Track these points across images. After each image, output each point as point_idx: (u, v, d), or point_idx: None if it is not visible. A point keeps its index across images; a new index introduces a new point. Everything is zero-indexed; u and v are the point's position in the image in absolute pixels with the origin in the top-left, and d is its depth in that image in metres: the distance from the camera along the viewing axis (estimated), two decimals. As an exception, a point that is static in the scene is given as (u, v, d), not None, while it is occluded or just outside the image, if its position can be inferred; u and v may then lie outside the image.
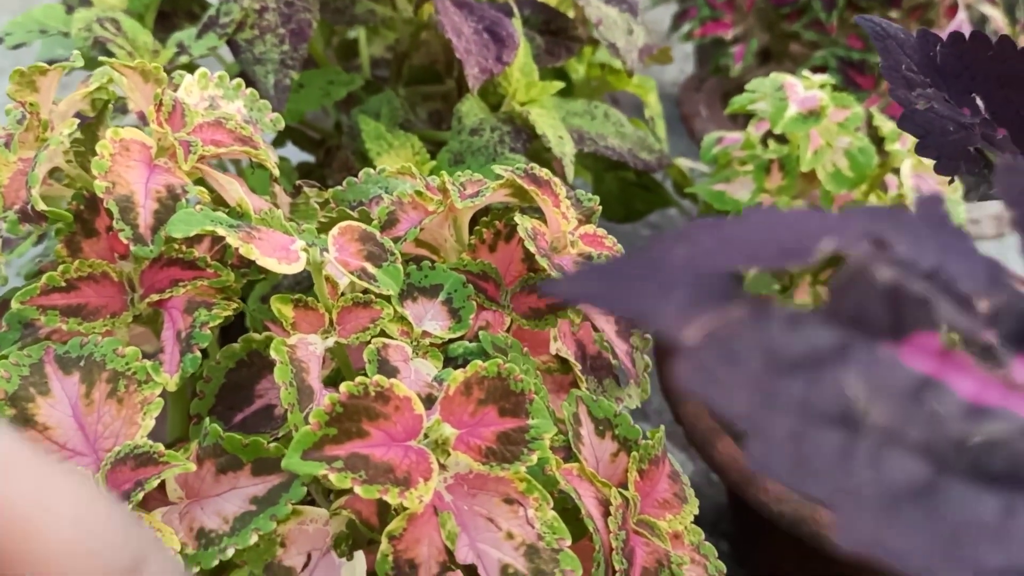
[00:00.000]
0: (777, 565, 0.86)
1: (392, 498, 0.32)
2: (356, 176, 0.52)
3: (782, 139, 0.75)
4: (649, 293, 0.17)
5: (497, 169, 0.46)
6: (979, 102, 0.42)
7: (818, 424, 0.16)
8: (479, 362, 0.36)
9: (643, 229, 1.14)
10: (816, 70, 1.05)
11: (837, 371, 0.16)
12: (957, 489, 0.15)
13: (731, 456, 0.72)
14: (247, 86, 0.51)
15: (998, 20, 1.09)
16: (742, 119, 1.08)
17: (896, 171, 0.69)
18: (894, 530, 0.15)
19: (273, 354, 0.37)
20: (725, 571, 0.46)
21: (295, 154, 0.86)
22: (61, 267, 0.41)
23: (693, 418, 0.74)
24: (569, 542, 0.35)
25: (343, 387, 0.34)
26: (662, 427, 0.46)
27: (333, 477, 0.32)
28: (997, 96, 0.42)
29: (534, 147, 0.69)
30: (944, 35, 0.42)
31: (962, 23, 0.97)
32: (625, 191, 0.82)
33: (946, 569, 0.14)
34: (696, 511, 0.45)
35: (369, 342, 0.40)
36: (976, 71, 0.42)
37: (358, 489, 0.32)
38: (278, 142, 0.82)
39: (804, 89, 0.67)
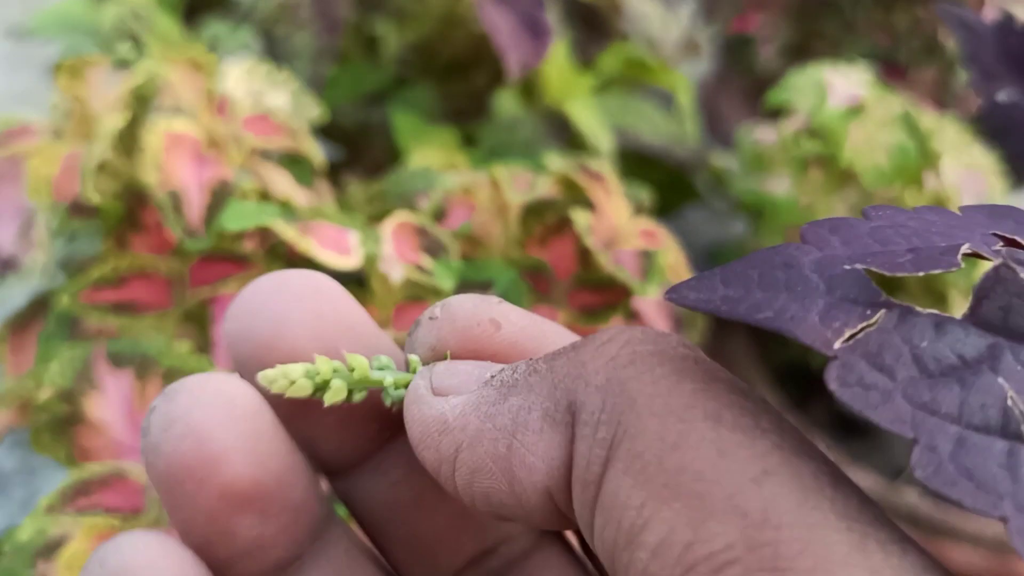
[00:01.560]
0: None
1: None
2: (387, 170, 0.51)
3: (816, 134, 0.74)
4: (786, 301, 0.16)
5: (549, 163, 0.45)
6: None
7: (980, 432, 0.15)
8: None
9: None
10: (841, 66, 1.04)
11: (991, 378, 0.15)
12: None
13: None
14: (298, 84, 0.50)
15: (1025, 15, 1.08)
16: (766, 114, 1.07)
17: (936, 167, 0.68)
18: None
19: (333, 351, 0.36)
20: None
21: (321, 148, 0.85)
22: (111, 263, 0.40)
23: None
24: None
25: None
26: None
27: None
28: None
29: (568, 141, 0.68)
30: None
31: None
32: (654, 186, 0.81)
33: None
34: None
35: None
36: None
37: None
38: (304, 138, 0.81)
39: (845, 84, 0.66)
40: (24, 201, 0.42)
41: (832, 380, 0.15)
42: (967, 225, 0.17)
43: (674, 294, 0.16)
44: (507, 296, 0.43)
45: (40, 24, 0.70)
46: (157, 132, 0.39)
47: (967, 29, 0.39)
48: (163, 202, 0.38)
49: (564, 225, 0.46)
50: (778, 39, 1.03)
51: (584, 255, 0.46)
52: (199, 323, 0.43)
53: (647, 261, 0.42)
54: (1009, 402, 0.15)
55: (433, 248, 0.40)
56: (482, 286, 0.43)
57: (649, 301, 0.47)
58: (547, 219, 0.46)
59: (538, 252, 0.46)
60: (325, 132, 0.81)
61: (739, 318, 0.16)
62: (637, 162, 0.77)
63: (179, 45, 0.62)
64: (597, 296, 0.45)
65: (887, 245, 0.16)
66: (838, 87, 0.66)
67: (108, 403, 0.37)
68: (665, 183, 0.80)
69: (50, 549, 0.37)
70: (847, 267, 0.16)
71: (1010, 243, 0.17)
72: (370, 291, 0.40)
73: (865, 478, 0.69)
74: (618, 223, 0.44)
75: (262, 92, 0.46)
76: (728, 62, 1.20)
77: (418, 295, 0.40)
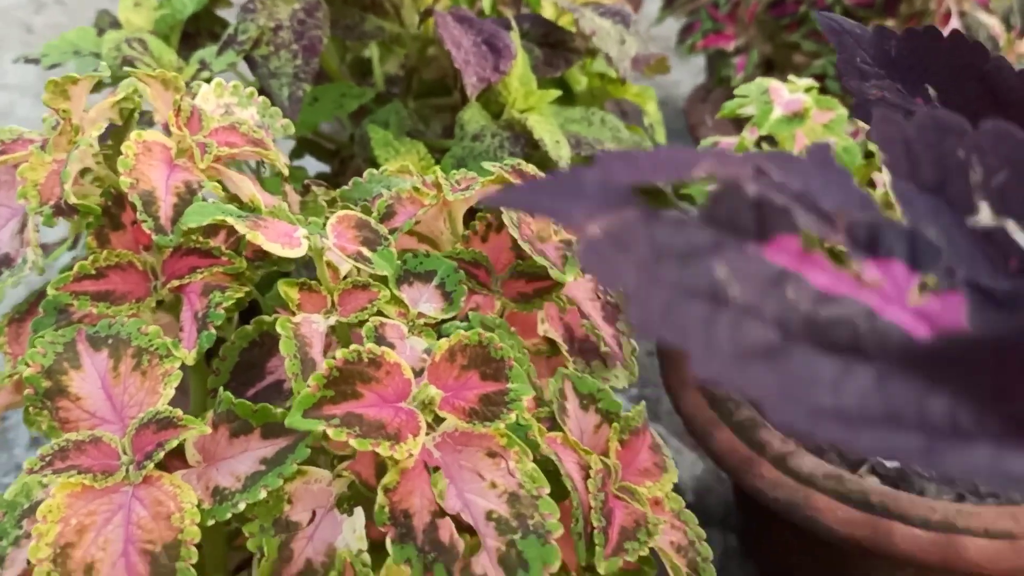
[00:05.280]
0: (783, 556, 0.88)
1: (384, 450, 0.36)
2: (367, 181, 0.56)
3: (775, 142, 0.78)
4: (565, 200, 0.21)
5: (486, 165, 0.49)
6: (931, 91, 0.46)
7: (689, 297, 0.19)
8: (462, 331, 0.40)
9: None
10: (816, 79, 1.09)
11: (709, 260, 0.20)
12: (802, 353, 0.19)
13: (729, 445, 0.74)
14: (264, 98, 0.55)
15: (995, 27, 1.12)
16: (738, 123, 1.11)
17: (879, 167, 0.72)
18: (745, 374, 0.19)
19: (279, 329, 0.41)
20: (705, 536, 0.49)
21: (314, 165, 0.91)
22: (91, 257, 0.45)
23: (693, 409, 0.77)
24: (548, 490, 0.38)
25: (339, 353, 0.37)
26: (643, 402, 0.49)
27: (330, 432, 0.36)
28: (949, 86, 0.46)
29: (537, 155, 0.73)
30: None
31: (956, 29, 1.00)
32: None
33: (787, 406, 0.18)
34: (675, 479, 0.48)
35: (367, 321, 0.44)
36: (929, 63, 0.46)
37: (352, 442, 0.36)
38: (297, 154, 0.87)
39: (789, 93, 0.71)
40: (20, 204, 0.48)
41: (579, 255, 0.19)
42: (728, 158, 0.22)
43: (484, 199, 0.21)
44: (446, 284, 0.47)
45: (50, 51, 0.76)
46: (130, 141, 0.44)
47: (845, 35, 0.43)
48: (136, 201, 0.43)
49: (502, 224, 0.51)
50: (753, 54, 1.07)
51: (519, 250, 0.50)
52: (172, 310, 0.48)
53: (568, 251, 0.47)
54: (718, 278, 0.20)
55: (372, 240, 0.44)
56: (424, 277, 0.48)
57: (581, 289, 0.52)
58: (486, 217, 0.51)
59: (480, 247, 0.51)
60: (315, 149, 0.86)
61: (523, 210, 0.20)
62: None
63: (170, 68, 0.67)
64: (530, 285, 0.49)
65: (652, 166, 0.21)
66: (782, 95, 0.70)
67: (86, 379, 0.42)
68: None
69: (34, 510, 0.41)
70: (617, 184, 0.20)
71: (757, 171, 0.21)
72: (319, 280, 0.45)
73: (825, 467, 0.73)
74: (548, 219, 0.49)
75: (231, 105, 0.52)
76: (713, 78, 1.25)
77: (361, 283, 0.45)
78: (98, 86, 0.55)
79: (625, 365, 0.54)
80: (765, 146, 0.79)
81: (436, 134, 0.84)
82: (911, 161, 0.26)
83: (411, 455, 0.36)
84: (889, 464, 0.79)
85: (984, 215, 0.24)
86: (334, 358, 0.37)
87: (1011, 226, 0.23)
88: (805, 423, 0.19)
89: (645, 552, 0.42)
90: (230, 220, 0.41)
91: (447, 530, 0.36)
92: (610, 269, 0.20)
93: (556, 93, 0.72)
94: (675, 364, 0.81)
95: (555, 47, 0.77)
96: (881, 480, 0.76)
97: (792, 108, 0.69)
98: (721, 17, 1.12)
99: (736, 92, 0.74)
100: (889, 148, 0.25)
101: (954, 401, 0.19)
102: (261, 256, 0.51)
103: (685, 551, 0.47)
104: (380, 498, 0.37)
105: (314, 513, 0.41)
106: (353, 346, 0.38)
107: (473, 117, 0.70)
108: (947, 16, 1.05)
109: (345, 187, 0.55)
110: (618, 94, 0.86)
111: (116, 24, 0.76)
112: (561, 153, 0.68)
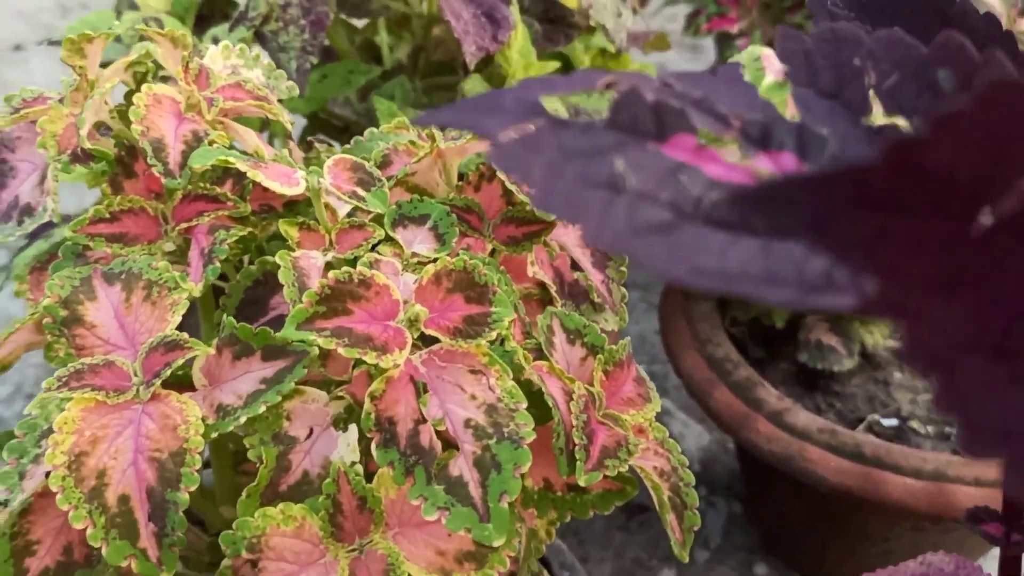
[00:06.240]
0: (784, 519, 0.90)
1: (370, 359, 0.39)
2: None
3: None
4: (484, 115, 0.24)
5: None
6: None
7: (591, 187, 0.22)
8: (448, 257, 0.42)
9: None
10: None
11: (611, 157, 0.22)
12: (692, 229, 0.21)
13: (726, 403, 0.76)
14: (270, 61, 0.59)
15: (995, 5, 1.13)
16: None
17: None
18: (636, 243, 0.21)
19: (278, 260, 0.44)
20: (687, 464, 0.51)
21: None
22: (106, 201, 0.48)
23: (691, 370, 0.80)
24: (524, 405, 0.41)
25: (331, 273, 0.40)
26: (627, 338, 0.52)
27: (321, 341, 0.39)
28: (915, 28, 0.48)
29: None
30: None
31: (954, 6, 1.02)
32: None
33: (673, 266, 0.21)
34: (658, 408, 0.51)
35: (363, 257, 0.46)
36: (897, 6, 0.48)
37: (341, 350, 0.38)
38: (310, 131, 0.90)
39: (776, 60, 0.73)
40: (40, 158, 0.51)
41: (492, 157, 0.22)
42: (644, 78, 0.24)
43: (419, 119, 0.24)
44: (439, 227, 0.50)
45: (72, 32, 0.79)
46: (141, 93, 0.48)
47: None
48: (146, 148, 0.47)
49: (494, 174, 0.54)
50: (755, 36, 1.10)
51: (509, 197, 0.53)
52: (183, 257, 0.51)
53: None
54: (618, 170, 0.22)
55: (366, 181, 0.47)
56: (418, 220, 0.50)
57: (571, 236, 0.55)
58: (479, 168, 0.54)
59: (473, 196, 0.54)
60: (324, 126, 0.90)
61: (450, 125, 0.23)
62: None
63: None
64: (520, 229, 0.52)
65: (564, 84, 0.24)
66: (774, 63, 0.72)
67: (101, 309, 0.45)
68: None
69: (52, 431, 0.45)
70: (533, 100, 0.23)
71: (663, 84, 0.24)
72: (318, 220, 0.48)
73: (820, 421, 0.75)
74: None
75: (238, 67, 0.55)
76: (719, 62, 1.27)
77: (358, 224, 0.48)
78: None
79: (615, 310, 0.57)
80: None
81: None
82: (810, 70, 0.29)
83: (397, 365, 0.39)
84: (886, 423, 0.81)
85: (877, 115, 0.26)
86: (327, 278, 0.40)
87: (901, 122, 0.26)
88: (687, 277, 0.21)
89: (624, 468, 0.45)
90: (232, 160, 0.44)
91: (427, 434, 0.39)
92: (520, 166, 0.22)
93: (555, 65, 0.75)
94: (675, 326, 0.84)
95: (555, 22, 0.80)
96: (877, 438, 0.78)
97: (783, 74, 0.71)
98: (725, 1, 1.14)
99: (730, 61, 0.76)
100: (791, 59, 0.27)
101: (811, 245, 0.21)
102: (268, 210, 0.54)
103: (668, 476, 0.49)
104: (367, 405, 0.39)
105: (311, 430, 0.44)
106: (345, 267, 0.41)
107: (474, 87, 0.73)
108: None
109: (347, 146, 0.58)
110: (617, 68, 0.88)
111: (134, 7, 0.80)
112: (558, 119, 0.70)
